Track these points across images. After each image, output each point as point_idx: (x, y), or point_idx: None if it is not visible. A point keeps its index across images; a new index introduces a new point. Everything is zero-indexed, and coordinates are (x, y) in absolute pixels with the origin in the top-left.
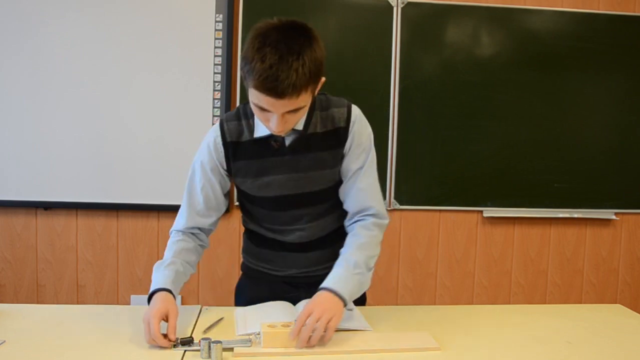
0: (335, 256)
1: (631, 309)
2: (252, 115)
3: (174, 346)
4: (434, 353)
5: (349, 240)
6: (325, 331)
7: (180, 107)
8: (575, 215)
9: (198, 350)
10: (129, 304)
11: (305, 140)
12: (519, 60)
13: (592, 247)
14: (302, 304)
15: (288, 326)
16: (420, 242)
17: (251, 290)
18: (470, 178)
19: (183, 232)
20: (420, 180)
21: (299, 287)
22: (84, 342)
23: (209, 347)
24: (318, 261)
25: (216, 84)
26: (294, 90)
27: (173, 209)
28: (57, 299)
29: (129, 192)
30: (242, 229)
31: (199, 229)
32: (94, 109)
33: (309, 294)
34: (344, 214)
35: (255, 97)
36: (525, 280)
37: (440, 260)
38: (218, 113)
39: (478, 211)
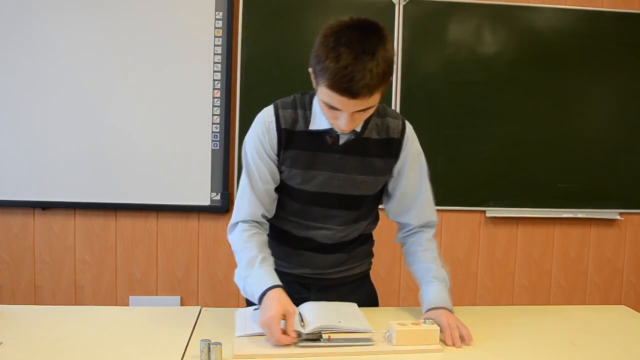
0: (349, 262)
1: (636, 310)
2: (310, 106)
3: (299, 341)
4: (436, 355)
5: (424, 255)
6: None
7: (180, 106)
8: (579, 216)
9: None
10: (127, 305)
11: (358, 142)
12: (522, 58)
13: (597, 248)
14: (305, 306)
15: (417, 324)
16: None
17: None
18: (473, 178)
19: (251, 222)
20: None
21: (310, 288)
22: (82, 344)
23: (209, 348)
24: (333, 264)
25: (216, 82)
26: (368, 90)
27: (172, 209)
28: (54, 300)
29: (128, 192)
30: None
31: (264, 216)
32: (92, 108)
33: (319, 297)
34: (371, 224)
35: (327, 95)
36: (528, 281)
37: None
38: (218, 112)
39: (481, 211)
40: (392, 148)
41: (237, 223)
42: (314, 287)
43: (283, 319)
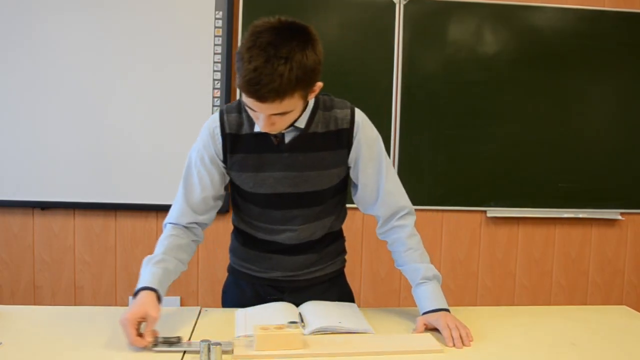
0: (320, 262)
1: (637, 310)
2: None
3: (154, 346)
4: (436, 355)
5: (409, 255)
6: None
7: (180, 106)
8: (580, 216)
9: (198, 352)
10: (127, 305)
11: (305, 139)
12: (523, 58)
13: (597, 248)
14: (305, 306)
15: (281, 329)
16: (423, 242)
17: (235, 292)
18: (473, 178)
19: (177, 225)
20: (423, 180)
21: (283, 290)
22: (82, 344)
23: (209, 349)
24: (303, 265)
25: (215, 82)
26: (277, 95)
27: None
28: (54, 300)
29: (128, 192)
30: None
31: (195, 223)
32: (92, 108)
33: (293, 298)
34: (336, 221)
35: (243, 96)
36: (529, 281)
37: (443, 261)
38: None
39: (481, 211)
40: (342, 139)
41: (166, 224)
42: (287, 290)
43: (143, 321)
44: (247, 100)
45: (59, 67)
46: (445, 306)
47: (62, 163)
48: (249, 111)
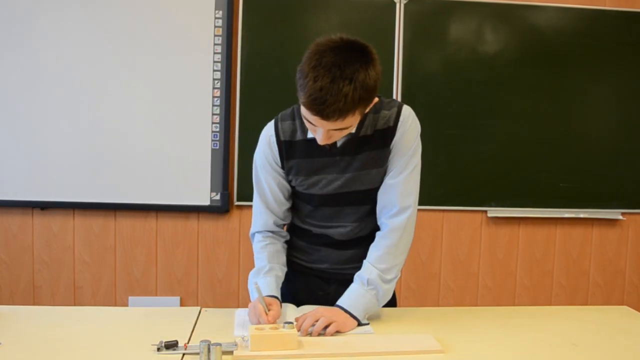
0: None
1: (638, 310)
2: None
3: (158, 349)
4: (437, 356)
5: (369, 250)
6: (323, 330)
7: (180, 106)
8: (581, 216)
9: (197, 354)
10: (126, 305)
11: (356, 142)
12: (524, 58)
13: (599, 248)
14: (305, 308)
15: (277, 329)
16: (424, 242)
17: (285, 284)
18: (474, 177)
19: (266, 232)
20: (423, 180)
21: (330, 282)
22: (81, 345)
23: (209, 349)
24: (350, 259)
25: (215, 82)
26: (340, 114)
27: (172, 209)
28: (53, 300)
29: (127, 192)
30: (242, 229)
31: (276, 223)
32: (92, 109)
33: (340, 291)
34: None
35: (304, 110)
36: (530, 281)
37: (444, 261)
38: (217, 112)
39: (482, 211)
40: (387, 137)
41: (254, 234)
42: (334, 282)
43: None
44: (309, 116)
45: (58, 67)
46: (351, 310)
47: (61, 163)
48: (307, 124)
